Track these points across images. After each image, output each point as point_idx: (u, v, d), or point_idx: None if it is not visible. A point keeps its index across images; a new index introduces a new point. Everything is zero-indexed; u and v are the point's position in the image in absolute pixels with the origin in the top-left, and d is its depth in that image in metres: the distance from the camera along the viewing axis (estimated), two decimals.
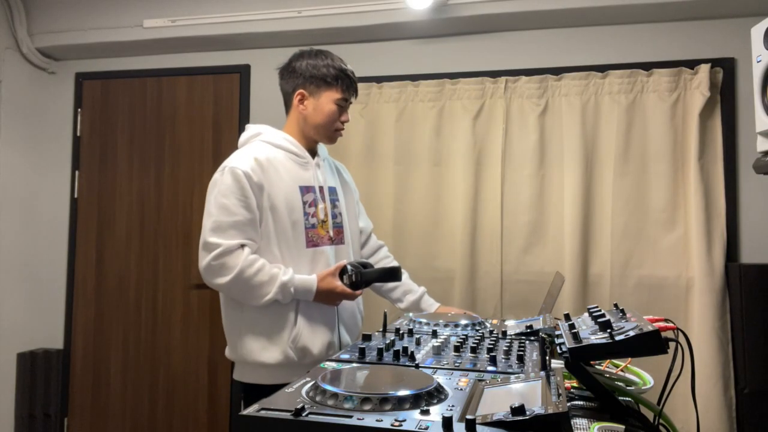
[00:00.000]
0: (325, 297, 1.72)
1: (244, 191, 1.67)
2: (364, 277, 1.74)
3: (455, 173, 2.88)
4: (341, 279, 1.73)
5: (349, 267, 1.74)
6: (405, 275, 2.05)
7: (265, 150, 1.77)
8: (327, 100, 1.80)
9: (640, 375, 1.31)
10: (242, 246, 1.66)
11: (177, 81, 3.32)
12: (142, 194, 3.33)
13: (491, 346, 1.29)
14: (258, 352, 1.71)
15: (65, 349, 3.39)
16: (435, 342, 1.33)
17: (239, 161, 1.71)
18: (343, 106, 1.83)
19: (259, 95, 3.20)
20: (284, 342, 1.70)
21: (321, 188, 1.83)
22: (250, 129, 1.88)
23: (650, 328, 1.02)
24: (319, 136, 1.85)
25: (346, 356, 1.25)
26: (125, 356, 3.30)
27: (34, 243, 3.39)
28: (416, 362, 1.18)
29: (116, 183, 3.37)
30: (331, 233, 1.84)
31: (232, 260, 1.63)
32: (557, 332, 1.22)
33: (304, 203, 1.77)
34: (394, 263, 2.15)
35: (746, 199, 2.65)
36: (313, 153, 1.89)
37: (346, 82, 1.82)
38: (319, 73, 1.80)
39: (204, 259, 1.66)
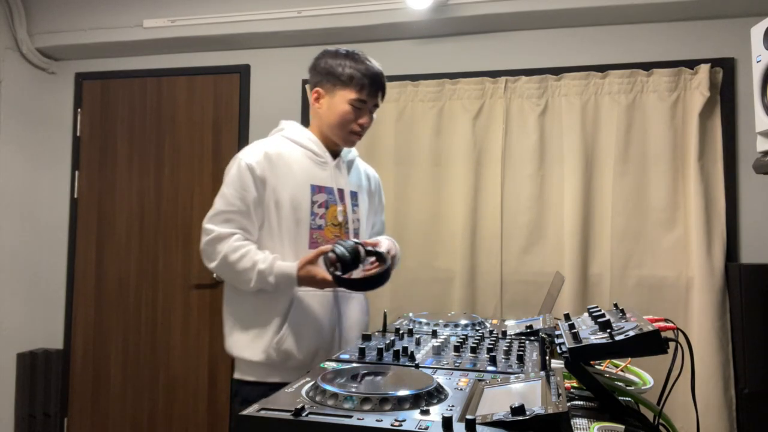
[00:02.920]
0: (310, 284, 1.65)
1: (243, 183, 1.67)
2: (346, 282, 1.55)
3: (455, 173, 2.88)
4: (327, 266, 1.54)
5: (336, 252, 1.52)
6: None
7: (280, 145, 1.75)
8: (341, 100, 1.75)
9: (640, 375, 1.31)
10: (233, 234, 1.67)
11: (177, 81, 3.32)
12: (142, 194, 3.33)
13: (491, 346, 1.29)
14: (242, 347, 1.70)
15: (65, 349, 3.39)
16: (435, 342, 1.33)
17: (248, 153, 1.72)
18: (359, 107, 1.75)
19: (259, 95, 3.21)
20: (268, 342, 1.67)
21: (341, 191, 1.79)
22: (279, 125, 1.87)
23: (650, 328, 1.02)
24: (334, 137, 1.79)
25: (346, 356, 1.25)
26: (125, 356, 3.30)
27: (34, 243, 3.39)
28: (416, 362, 1.18)
29: (116, 183, 3.37)
30: (349, 238, 1.77)
31: (220, 246, 1.65)
32: (557, 332, 1.22)
33: (314, 203, 1.73)
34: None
35: (746, 199, 2.65)
36: (336, 154, 1.83)
37: (363, 83, 1.73)
38: (335, 72, 1.75)
39: (201, 243, 1.70)
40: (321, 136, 1.81)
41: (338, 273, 1.51)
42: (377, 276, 1.57)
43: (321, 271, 1.60)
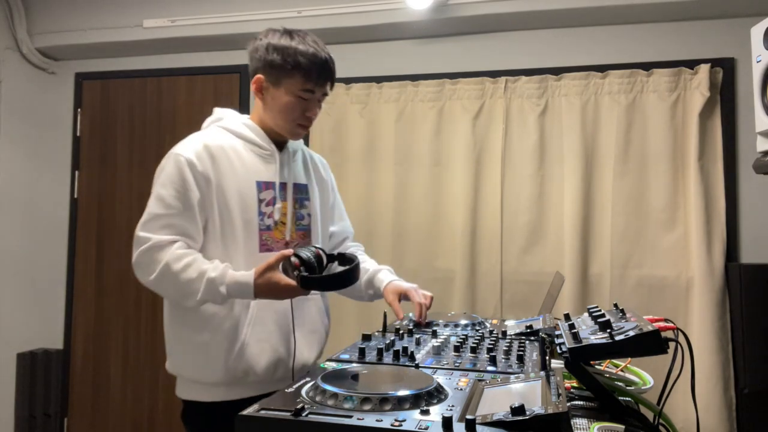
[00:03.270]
0: (270, 294, 1.44)
1: (184, 182, 1.48)
2: (315, 282, 1.43)
3: (455, 173, 2.88)
4: (288, 272, 1.42)
5: (302, 256, 1.41)
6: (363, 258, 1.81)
7: (220, 137, 1.57)
8: (286, 90, 1.55)
9: (640, 375, 1.31)
10: (174, 242, 1.46)
11: (177, 81, 3.32)
12: (142, 194, 3.31)
13: (491, 346, 1.29)
14: (195, 367, 1.52)
15: (65, 349, 3.39)
16: (435, 342, 1.33)
17: (185, 147, 1.52)
18: (306, 98, 1.56)
19: None
20: (225, 359, 1.49)
21: (284, 185, 1.61)
22: (214, 113, 1.69)
23: (650, 328, 1.02)
24: (279, 129, 1.60)
25: (346, 356, 1.25)
26: (125, 356, 3.30)
27: (34, 243, 3.38)
28: (416, 362, 1.18)
29: (116, 183, 3.37)
30: (288, 237, 1.59)
31: (159, 255, 1.44)
32: (557, 332, 1.22)
33: (261, 201, 1.55)
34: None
35: (746, 199, 2.65)
36: (281, 145, 1.64)
37: (311, 70, 1.53)
38: (279, 58, 1.53)
39: (133, 255, 1.49)
40: (263, 126, 1.62)
41: (305, 274, 1.39)
42: (350, 270, 1.44)
43: (283, 277, 1.41)
